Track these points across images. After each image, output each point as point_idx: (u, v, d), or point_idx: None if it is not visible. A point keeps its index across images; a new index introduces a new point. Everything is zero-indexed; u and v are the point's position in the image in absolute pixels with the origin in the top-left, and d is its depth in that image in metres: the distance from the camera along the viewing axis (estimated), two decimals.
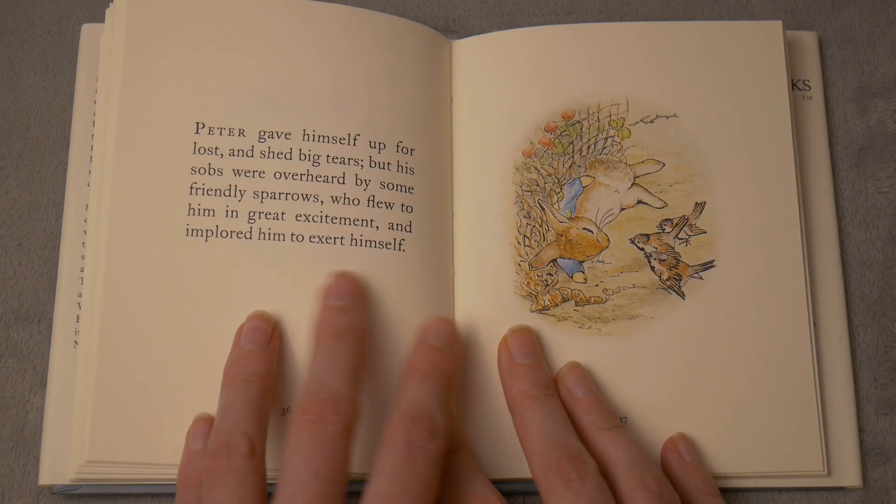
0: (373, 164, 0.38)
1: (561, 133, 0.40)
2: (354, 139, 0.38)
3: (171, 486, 0.35)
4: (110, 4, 0.40)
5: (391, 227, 0.37)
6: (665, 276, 0.39)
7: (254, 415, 0.33)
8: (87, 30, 0.41)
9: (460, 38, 0.42)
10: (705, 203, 0.40)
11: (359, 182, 0.38)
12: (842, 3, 0.45)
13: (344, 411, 0.32)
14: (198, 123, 0.38)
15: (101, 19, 0.43)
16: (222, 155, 0.37)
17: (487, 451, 0.37)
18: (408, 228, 0.38)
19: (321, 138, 0.38)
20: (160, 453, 0.35)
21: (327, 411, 0.32)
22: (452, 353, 0.36)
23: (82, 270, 0.38)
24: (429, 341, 0.36)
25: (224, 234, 0.37)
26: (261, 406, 0.34)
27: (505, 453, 0.37)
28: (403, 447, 0.33)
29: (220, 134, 0.38)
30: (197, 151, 0.37)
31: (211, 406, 0.35)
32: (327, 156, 0.38)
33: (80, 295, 0.38)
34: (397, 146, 0.39)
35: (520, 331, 0.37)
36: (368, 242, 0.37)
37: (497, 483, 0.35)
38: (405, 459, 0.32)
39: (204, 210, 0.37)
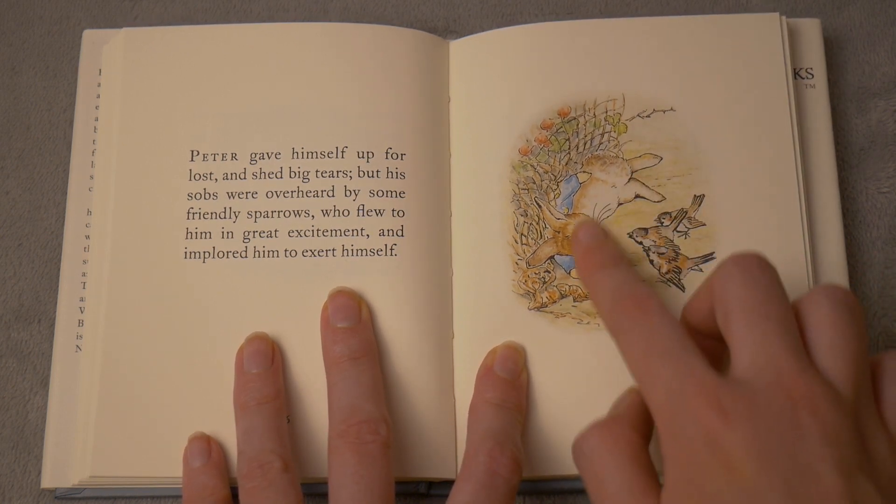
0: (361, 173, 0.42)
1: (557, 130, 0.44)
2: (342, 151, 0.43)
3: (173, 488, 0.40)
4: (105, 46, 0.45)
5: (382, 234, 0.42)
6: (664, 270, 0.42)
7: (276, 435, 0.37)
8: (89, 35, 0.46)
9: (460, 38, 0.45)
10: (704, 196, 0.42)
11: (348, 193, 0.42)
12: (842, 2, 0.47)
13: (380, 431, 0.37)
14: (192, 151, 0.43)
15: (101, 21, 0.47)
16: (216, 179, 0.43)
17: None
18: (399, 233, 0.42)
19: (310, 154, 0.43)
20: (162, 468, 0.39)
21: (364, 432, 0.36)
22: (522, 384, 0.40)
23: (84, 274, 0.42)
24: (498, 372, 0.39)
25: (221, 254, 0.42)
26: (279, 426, 0.38)
27: None
28: (486, 475, 0.36)
29: (214, 160, 0.43)
30: (193, 178, 0.43)
31: (212, 421, 0.40)
32: (316, 171, 0.42)
33: (81, 299, 0.42)
34: (386, 153, 0.43)
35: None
36: (360, 251, 0.42)
37: None
38: (487, 489, 0.35)
39: (201, 233, 0.42)
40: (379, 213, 0.42)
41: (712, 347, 0.35)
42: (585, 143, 0.43)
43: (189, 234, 0.42)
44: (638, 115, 0.43)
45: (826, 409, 0.30)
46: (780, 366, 0.31)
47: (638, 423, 0.34)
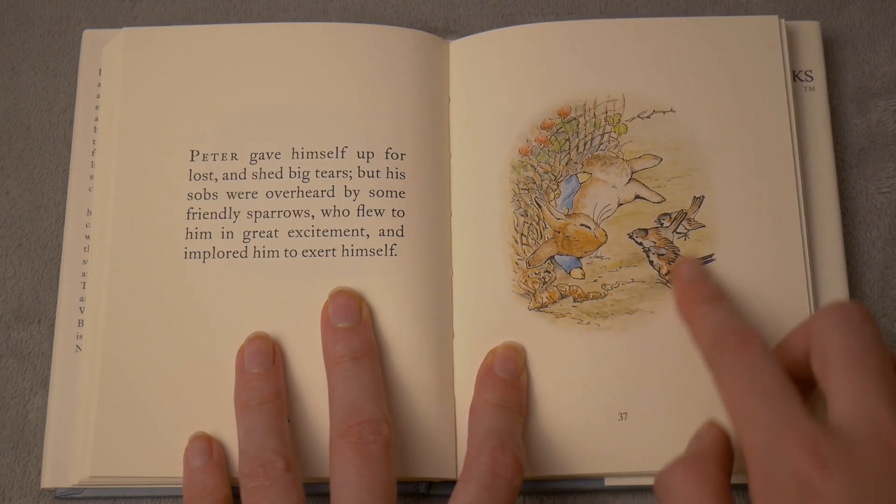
0: (361, 173, 0.43)
1: (557, 130, 0.44)
2: (342, 151, 0.43)
3: (173, 488, 0.40)
4: (105, 46, 0.45)
5: (382, 234, 0.42)
6: (664, 271, 0.42)
7: (277, 435, 0.38)
8: (89, 35, 0.46)
9: (460, 38, 0.45)
10: (704, 197, 0.43)
11: (348, 193, 0.42)
12: (842, 2, 0.47)
13: (382, 431, 0.37)
14: (192, 151, 0.43)
15: (101, 21, 0.48)
16: (217, 179, 0.43)
17: None
18: (399, 233, 0.42)
19: (310, 154, 0.43)
20: (162, 468, 0.39)
21: (366, 432, 0.37)
22: (522, 385, 0.40)
23: (84, 274, 0.43)
24: (498, 373, 0.40)
25: (221, 254, 0.42)
26: (281, 426, 0.38)
27: None
28: (489, 476, 0.36)
29: (214, 159, 0.43)
30: (193, 178, 0.43)
31: (213, 421, 0.40)
32: (316, 171, 0.43)
33: (81, 299, 0.42)
34: (386, 153, 0.43)
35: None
36: (360, 251, 0.42)
37: None
38: (489, 490, 0.36)
39: (201, 233, 0.42)
40: (379, 213, 0.42)
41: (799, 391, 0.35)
42: (585, 144, 0.44)
43: (189, 234, 0.42)
44: (638, 116, 0.44)
45: None
46: (880, 418, 0.31)
47: (722, 461, 0.35)
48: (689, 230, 0.42)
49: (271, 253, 0.42)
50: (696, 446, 0.36)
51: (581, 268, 0.42)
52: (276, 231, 0.42)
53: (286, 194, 0.43)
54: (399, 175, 0.43)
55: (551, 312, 0.42)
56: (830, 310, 0.34)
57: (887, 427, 0.31)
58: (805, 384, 0.35)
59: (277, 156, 0.43)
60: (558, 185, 0.43)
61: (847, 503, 0.30)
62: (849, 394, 0.32)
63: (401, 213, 0.42)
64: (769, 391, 0.33)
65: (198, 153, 0.43)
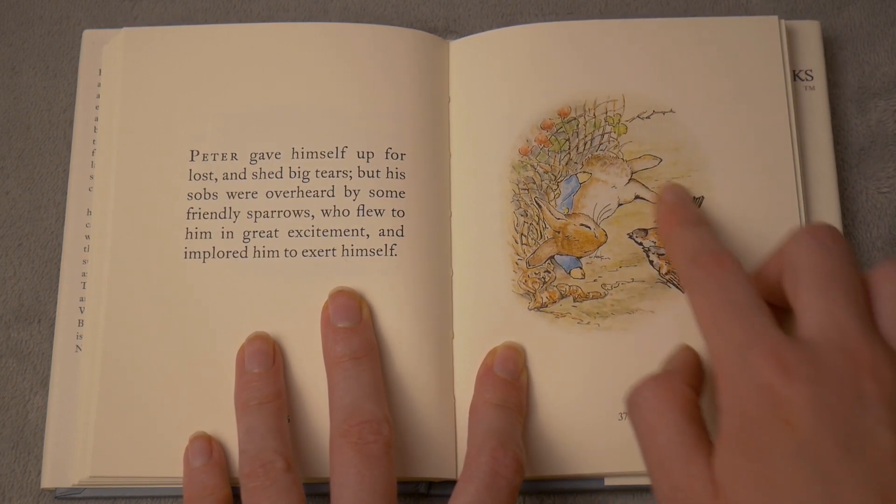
0: (361, 173, 0.43)
1: (557, 130, 0.44)
2: (342, 151, 0.43)
3: (173, 488, 0.40)
4: (105, 46, 0.45)
5: (382, 234, 0.42)
6: (664, 271, 0.42)
7: (278, 434, 0.38)
8: (89, 35, 0.46)
9: (460, 38, 0.45)
10: (703, 198, 0.43)
11: (348, 193, 0.43)
12: (842, 2, 0.47)
13: (383, 431, 0.37)
14: (192, 151, 0.43)
15: (101, 21, 0.48)
16: (216, 179, 0.43)
17: None
18: (399, 233, 0.42)
19: (310, 154, 0.43)
20: (162, 468, 0.39)
21: (366, 432, 0.37)
22: (522, 385, 0.40)
23: (84, 274, 0.43)
24: (498, 373, 0.40)
25: (221, 254, 0.42)
26: (281, 426, 0.38)
27: None
28: (489, 476, 0.36)
29: (214, 159, 0.43)
30: (192, 178, 0.43)
31: (213, 421, 0.40)
32: (316, 170, 0.43)
33: (81, 299, 0.42)
34: (387, 152, 0.43)
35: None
36: (360, 251, 0.42)
37: None
38: (490, 490, 0.36)
39: (201, 233, 0.42)
40: (379, 213, 0.42)
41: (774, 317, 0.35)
42: (585, 144, 0.44)
43: (189, 234, 0.42)
44: (638, 117, 0.44)
45: (888, 375, 0.30)
46: (846, 330, 0.31)
47: (692, 379, 0.35)
48: None
49: (271, 253, 0.42)
50: (667, 366, 0.37)
51: (581, 268, 0.42)
52: (276, 231, 0.42)
53: (286, 194, 0.43)
54: (399, 175, 0.43)
55: (551, 312, 0.42)
56: (802, 231, 0.35)
57: (853, 338, 0.31)
58: (780, 312, 0.35)
59: (277, 156, 0.43)
60: (558, 185, 0.43)
61: (810, 409, 0.30)
62: (817, 307, 0.32)
63: (401, 213, 0.42)
64: (740, 305, 0.33)
65: (198, 153, 0.43)
